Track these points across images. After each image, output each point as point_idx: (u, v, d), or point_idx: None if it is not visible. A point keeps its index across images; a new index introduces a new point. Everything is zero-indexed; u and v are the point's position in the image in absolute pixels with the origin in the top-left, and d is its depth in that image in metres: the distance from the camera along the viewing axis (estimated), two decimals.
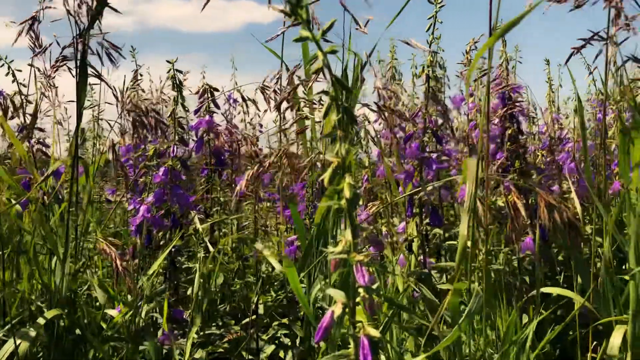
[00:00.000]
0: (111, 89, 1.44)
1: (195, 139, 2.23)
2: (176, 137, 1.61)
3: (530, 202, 2.13)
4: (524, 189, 2.15)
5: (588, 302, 1.30)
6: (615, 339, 1.17)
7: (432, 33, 1.79)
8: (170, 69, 1.61)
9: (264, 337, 2.02)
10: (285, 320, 2.05)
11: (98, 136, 3.13)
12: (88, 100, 2.92)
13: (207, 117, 2.20)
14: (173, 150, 1.58)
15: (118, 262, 1.40)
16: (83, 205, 1.49)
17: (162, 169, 1.58)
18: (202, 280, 1.41)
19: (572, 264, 1.56)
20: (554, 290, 1.34)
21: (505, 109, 2.15)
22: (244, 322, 2.02)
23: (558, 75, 2.69)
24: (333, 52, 0.79)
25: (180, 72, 1.66)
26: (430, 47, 1.79)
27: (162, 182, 1.58)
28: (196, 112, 2.18)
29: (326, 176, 0.81)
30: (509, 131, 2.16)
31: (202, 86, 2.25)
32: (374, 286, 0.81)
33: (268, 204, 2.90)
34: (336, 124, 0.80)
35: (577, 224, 1.15)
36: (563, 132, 2.53)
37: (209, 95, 2.25)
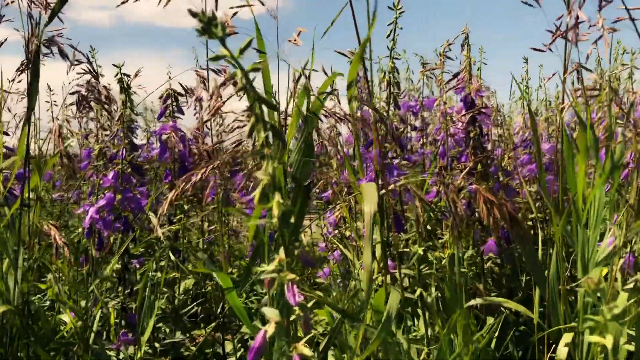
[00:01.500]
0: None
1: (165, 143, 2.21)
2: (125, 140, 1.59)
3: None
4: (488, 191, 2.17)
5: (540, 309, 1.32)
6: (562, 348, 1.17)
7: (393, 39, 1.78)
8: (117, 73, 1.59)
9: (229, 338, 2.01)
10: (257, 322, 2.03)
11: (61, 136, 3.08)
12: (47, 102, 2.89)
13: (170, 123, 2.17)
14: (122, 153, 1.56)
15: (57, 237, 1.39)
16: (34, 206, 1.48)
17: (111, 173, 1.57)
18: (149, 285, 1.40)
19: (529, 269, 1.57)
20: (499, 300, 1.34)
21: (468, 113, 2.17)
22: (211, 325, 2.01)
23: (521, 77, 2.69)
24: (255, 70, 0.78)
25: (128, 75, 1.64)
26: (391, 53, 1.79)
27: (112, 185, 1.56)
28: (160, 116, 2.16)
29: (255, 195, 0.80)
30: (472, 134, 2.18)
31: (166, 91, 2.23)
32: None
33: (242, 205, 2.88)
34: (264, 142, 0.80)
35: (517, 217, 1.15)
36: (526, 134, 2.54)
37: (173, 100, 2.23)
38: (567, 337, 1.17)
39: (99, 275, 1.43)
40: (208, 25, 0.73)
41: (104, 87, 1.50)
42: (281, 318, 0.81)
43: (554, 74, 1.72)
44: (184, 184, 1.14)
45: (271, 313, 0.82)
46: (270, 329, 0.81)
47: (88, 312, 1.40)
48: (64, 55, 1.50)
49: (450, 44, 2.34)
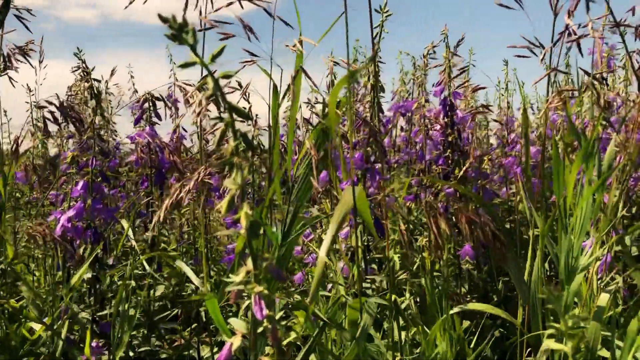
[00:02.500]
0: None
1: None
2: (96, 147, 1.55)
3: (470, 208, 2.15)
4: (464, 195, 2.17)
5: (518, 314, 1.31)
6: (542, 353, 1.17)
7: (378, 42, 1.77)
8: (87, 79, 1.56)
9: (209, 341, 1.98)
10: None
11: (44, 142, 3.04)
12: (27, 102, 2.84)
13: (147, 129, 2.14)
14: (92, 162, 1.53)
15: (47, 232, 1.36)
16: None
17: (80, 183, 1.54)
18: (126, 294, 1.37)
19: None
20: (480, 307, 1.34)
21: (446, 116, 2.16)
22: (189, 328, 1.98)
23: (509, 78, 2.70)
24: (227, 76, 0.76)
25: (99, 80, 1.61)
26: (375, 56, 1.78)
27: (82, 196, 1.53)
28: (136, 122, 2.13)
29: (223, 205, 0.78)
30: (450, 138, 2.18)
31: (143, 95, 2.20)
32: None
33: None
34: (234, 151, 0.78)
35: (501, 237, 1.15)
36: (512, 135, 2.55)
37: (150, 105, 2.20)
38: (547, 343, 1.16)
39: (65, 286, 1.40)
40: (179, 32, 0.71)
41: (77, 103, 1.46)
42: (248, 330, 0.80)
43: (541, 78, 1.73)
44: (174, 197, 1.12)
45: (238, 325, 0.80)
46: (236, 341, 0.79)
47: (57, 322, 1.37)
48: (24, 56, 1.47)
49: (434, 46, 2.33)
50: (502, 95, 2.49)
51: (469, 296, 2.08)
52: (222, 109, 0.76)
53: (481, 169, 2.38)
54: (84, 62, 1.62)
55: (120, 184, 2.23)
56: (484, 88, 2.18)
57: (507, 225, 2.56)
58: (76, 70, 1.62)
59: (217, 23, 1.38)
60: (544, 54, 1.31)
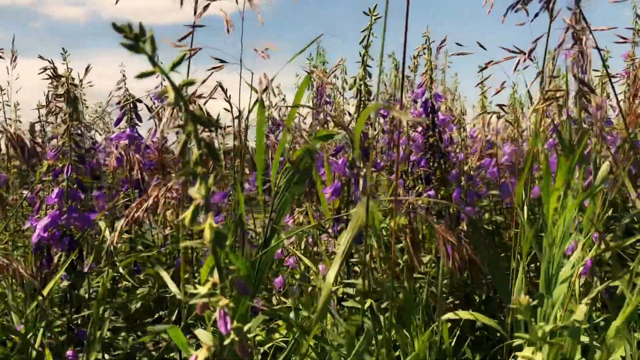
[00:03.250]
0: None
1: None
2: (72, 154, 1.53)
3: (452, 211, 2.15)
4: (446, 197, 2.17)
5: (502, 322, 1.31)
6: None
7: (366, 46, 1.76)
8: (63, 83, 1.54)
9: (191, 343, 1.96)
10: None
11: None
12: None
13: (128, 131, 2.12)
14: (67, 170, 1.51)
15: (20, 269, 1.34)
16: None
17: (55, 191, 1.51)
18: (103, 298, 1.35)
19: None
20: (464, 315, 1.33)
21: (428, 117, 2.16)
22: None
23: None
24: (189, 84, 0.75)
25: (75, 85, 1.58)
26: (363, 59, 1.76)
27: (57, 204, 1.50)
28: (116, 124, 2.11)
29: (187, 215, 0.77)
30: (431, 140, 2.18)
31: (123, 97, 2.17)
32: None
33: None
34: (197, 160, 0.77)
35: (477, 261, 1.14)
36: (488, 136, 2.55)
37: (131, 107, 2.18)
38: (527, 351, 1.16)
39: (36, 297, 1.38)
40: (135, 42, 0.70)
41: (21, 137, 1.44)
42: (214, 343, 0.79)
43: (532, 82, 1.72)
44: (135, 210, 1.10)
45: (204, 337, 0.79)
46: (201, 354, 0.78)
47: (31, 331, 1.35)
48: None
49: (424, 48, 2.32)
50: (485, 98, 2.49)
51: (450, 297, 2.08)
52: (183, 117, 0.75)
53: (464, 170, 2.38)
54: (52, 62, 1.60)
55: (104, 186, 2.21)
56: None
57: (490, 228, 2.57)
58: (43, 72, 1.60)
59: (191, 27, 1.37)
60: (518, 62, 1.30)
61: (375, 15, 1.69)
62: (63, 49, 2.05)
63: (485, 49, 1.64)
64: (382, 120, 2.99)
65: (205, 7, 1.37)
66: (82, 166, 1.55)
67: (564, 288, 1.18)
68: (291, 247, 1.89)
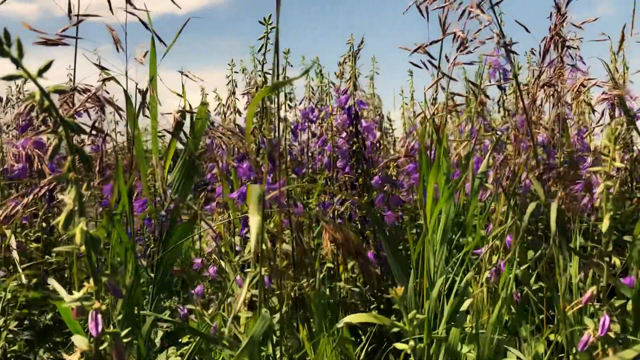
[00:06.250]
0: None
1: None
2: None
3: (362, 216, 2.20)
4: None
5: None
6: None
7: (264, 53, 1.78)
8: None
9: None
10: None
11: None
12: None
13: (34, 137, 2.06)
14: None
15: None
16: None
17: None
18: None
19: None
20: (362, 318, 1.36)
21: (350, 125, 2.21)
22: None
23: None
24: (61, 91, 0.75)
25: None
26: (262, 67, 1.78)
27: None
28: (22, 130, 2.04)
29: (60, 220, 0.77)
30: (355, 147, 2.22)
31: (29, 102, 2.11)
32: None
33: None
34: (70, 166, 0.77)
35: (362, 251, 1.18)
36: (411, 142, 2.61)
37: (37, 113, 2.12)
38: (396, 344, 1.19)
39: None
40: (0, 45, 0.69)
41: None
42: (89, 347, 0.79)
43: (430, 86, 1.78)
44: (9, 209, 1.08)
45: (79, 342, 0.79)
46: (74, 358, 0.77)
47: None
48: None
49: (349, 55, 2.36)
50: (406, 105, 2.56)
51: (375, 302, 2.12)
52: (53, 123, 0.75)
53: (388, 176, 2.43)
54: None
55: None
56: None
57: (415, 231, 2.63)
58: None
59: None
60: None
61: (270, 24, 1.71)
62: None
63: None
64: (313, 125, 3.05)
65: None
66: None
67: (439, 285, 1.23)
68: (210, 255, 1.89)
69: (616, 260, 0.94)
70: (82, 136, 2.19)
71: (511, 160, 1.89)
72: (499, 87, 2.23)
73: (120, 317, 1.06)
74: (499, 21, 1.46)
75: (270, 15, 1.63)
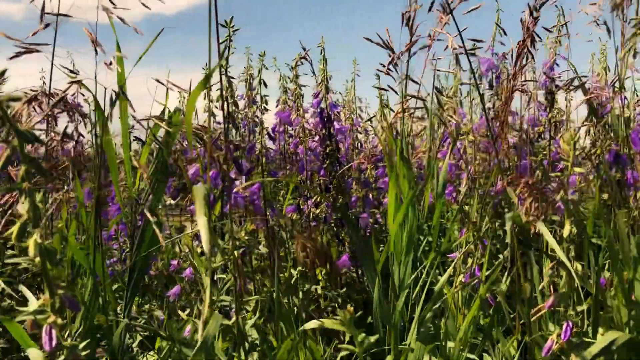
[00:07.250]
0: None
1: None
2: None
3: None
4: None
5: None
6: None
7: (227, 58, 1.75)
8: None
9: None
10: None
11: None
12: None
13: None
14: None
15: None
16: None
17: None
18: None
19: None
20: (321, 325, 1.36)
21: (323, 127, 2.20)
22: None
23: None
24: (13, 99, 0.74)
25: None
26: (226, 71, 1.76)
27: None
28: None
29: (14, 231, 0.75)
30: (328, 150, 2.21)
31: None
32: None
33: None
34: (24, 176, 0.75)
35: (332, 260, 1.18)
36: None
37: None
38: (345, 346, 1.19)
39: None
40: None
41: None
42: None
43: (394, 88, 1.79)
44: None
45: (34, 355, 0.78)
46: None
47: None
48: None
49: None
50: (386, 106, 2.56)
51: (349, 304, 2.12)
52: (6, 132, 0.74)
53: (363, 178, 2.44)
54: None
55: None
56: None
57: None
58: None
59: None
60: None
61: (232, 27, 1.68)
62: None
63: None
64: (289, 128, 3.03)
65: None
66: None
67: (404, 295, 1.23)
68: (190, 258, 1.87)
69: (578, 266, 0.95)
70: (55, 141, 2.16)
71: (478, 165, 1.90)
72: (490, 87, 2.24)
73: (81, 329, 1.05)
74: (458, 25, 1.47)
75: (232, 18, 1.61)
